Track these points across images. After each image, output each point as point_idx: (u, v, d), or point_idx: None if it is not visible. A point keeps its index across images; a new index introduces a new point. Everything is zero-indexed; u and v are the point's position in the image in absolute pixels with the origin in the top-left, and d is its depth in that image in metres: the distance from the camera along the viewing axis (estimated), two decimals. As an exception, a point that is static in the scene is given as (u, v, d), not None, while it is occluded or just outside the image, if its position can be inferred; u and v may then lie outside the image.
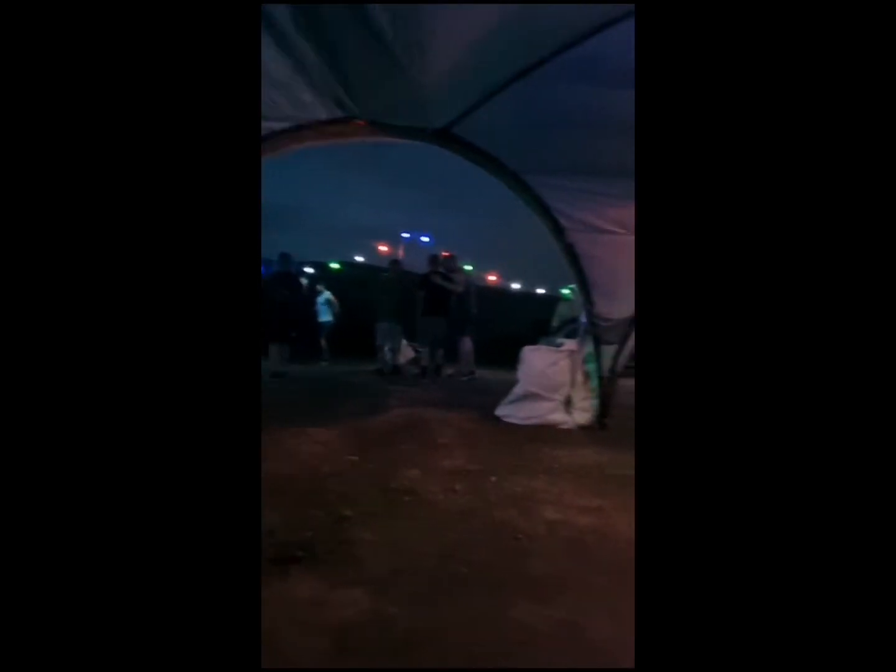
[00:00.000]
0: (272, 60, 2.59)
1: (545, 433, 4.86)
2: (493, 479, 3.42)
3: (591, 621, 1.83)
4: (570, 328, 6.18)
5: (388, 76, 2.94)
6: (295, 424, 4.29)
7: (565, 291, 8.28)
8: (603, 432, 5.07)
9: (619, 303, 4.94)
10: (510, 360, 5.93)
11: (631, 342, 5.13)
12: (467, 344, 8.70)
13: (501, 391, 5.56)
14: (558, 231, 4.66)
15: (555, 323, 7.85)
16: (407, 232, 33.12)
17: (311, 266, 13.88)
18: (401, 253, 27.28)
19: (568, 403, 5.28)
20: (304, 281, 9.44)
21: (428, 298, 8.37)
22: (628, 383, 5.49)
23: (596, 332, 5.20)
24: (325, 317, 10.63)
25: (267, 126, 3.16)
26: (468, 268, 10.01)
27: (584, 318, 5.39)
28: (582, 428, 5.16)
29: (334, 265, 15.90)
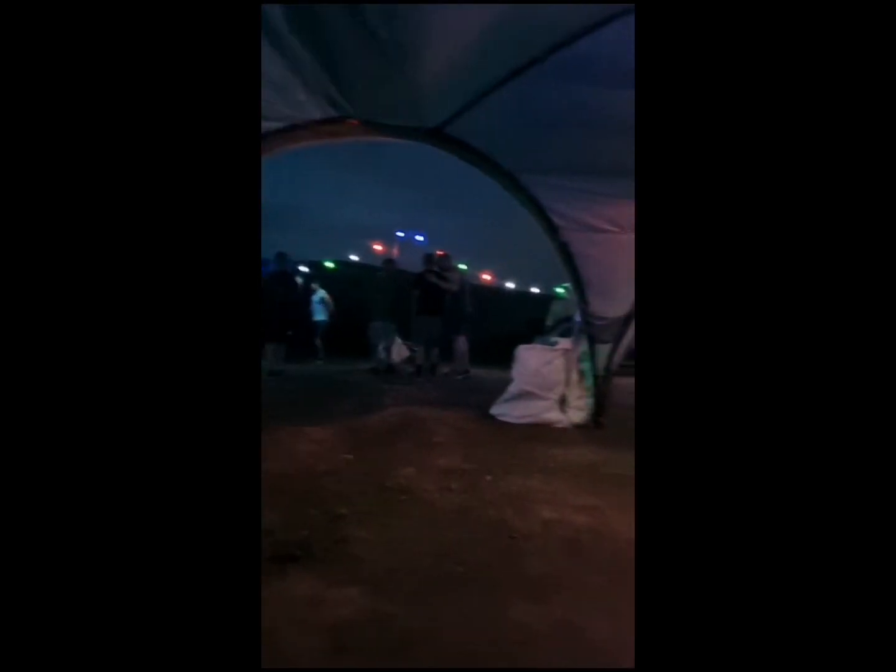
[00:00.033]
0: (266, 60, 2.58)
1: (540, 432, 4.87)
2: (489, 477, 3.42)
3: (588, 621, 1.84)
4: (564, 327, 6.18)
5: (381, 76, 2.94)
6: (291, 423, 4.29)
7: (560, 290, 8.29)
8: (598, 431, 5.09)
9: (614, 302, 4.95)
10: (505, 359, 5.93)
11: (625, 341, 5.14)
12: (462, 343, 8.69)
13: (496, 390, 5.56)
14: (552, 230, 4.66)
15: (549, 322, 7.85)
16: (402, 231, 33.10)
17: (306, 265, 13.85)
18: (395, 252, 27.25)
19: (563, 402, 5.29)
20: (299, 280, 9.42)
21: (423, 297, 8.36)
22: (623, 382, 5.52)
23: (590, 331, 5.21)
24: (320, 316, 10.61)
25: (262, 126, 3.15)
26: (463, 267, 9.97)
27: (578, 317, 5.40)
28: (577, 427, 5.17)
29: (329, 264, 15.86)
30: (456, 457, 3.87)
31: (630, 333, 5.09)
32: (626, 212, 4.15)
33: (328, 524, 2.55)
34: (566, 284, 6.53)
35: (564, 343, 5.47)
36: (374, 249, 30.44)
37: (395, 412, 5.14)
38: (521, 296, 20.12)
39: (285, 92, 2.91)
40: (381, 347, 8.72)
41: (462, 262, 10.17)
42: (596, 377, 5.30)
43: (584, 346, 5.32)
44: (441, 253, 8.89)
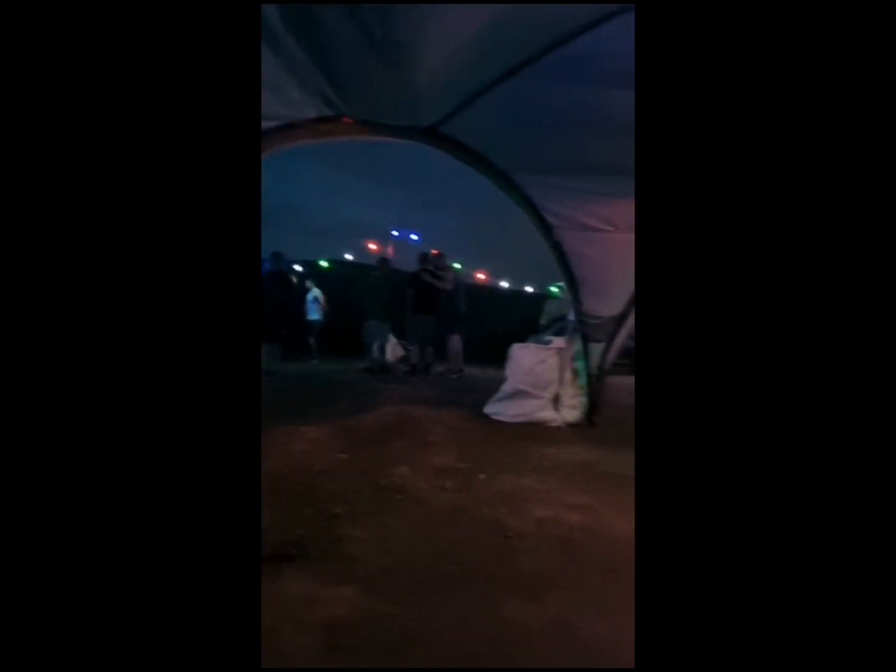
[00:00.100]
0: (262, 59, 2.58)
1: (534, 431, 4.88)
2: (483, 476, 3.43)
3: (583, 619, 1.85)
4: (558, 326, 6.19)
5: (376, 75, 2.93)
6: (286, 422, 4.28)
7: (554, 289, 8.31)
8: (592, 430, 5.11)
9: (608, 301, 4.97)
10: (499, 358, 5.94)
11: (619, 339, 5.16)
12: (456, 342, 8.70)
13: (490, 389, 5.57)
14: (546, 229, 4.67)
15: (543, 321, 7.86)
16: (396, 230, 33.02)
17: (300, 264, 13.82)
18: (390, 251, 27.21)
19: (557, 401, 5.30)
20: (294, 279, 9.41)
21: (417, 296, 8.36)
22: (617, 380, 5.54)
23: (584, 330, 5.22)
24: (314, 315, 10.59)
25: (259, 124, 3.15)
26: (457, 266, 9.97)
27: (572, 316, 5.42)
28: (571, 425, 5.19)
29: (323, 263, 15.82)
30: (450, 456, 3.87)
31: (623, 332, 5.11)
32: (621, 211, 4.17)
33: (323, 523, 2.56)
34: (560, 283, 6.56)
35: (558, 342, 5.48)
36: (368, 248, 30.35)
37: (389, 411, 5.14)
38: (516, 295, 20.10)
39: (280, 91, 2.90)
40: (375, 346, 8.72)
41: (456, 262, 10.17)
42: (590, 376, 5.32)
43: (577, 345, 5.34)
44: (436, 252, 8.89)
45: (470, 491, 3.17)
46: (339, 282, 12.18)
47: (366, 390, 6.53)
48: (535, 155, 3.96)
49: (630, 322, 4.99)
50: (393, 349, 9.19)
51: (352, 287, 10.54)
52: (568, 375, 5.34)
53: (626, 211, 4.06)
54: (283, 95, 2.97)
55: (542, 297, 9.79)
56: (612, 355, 5.25)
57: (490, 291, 19.52)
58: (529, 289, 21.64)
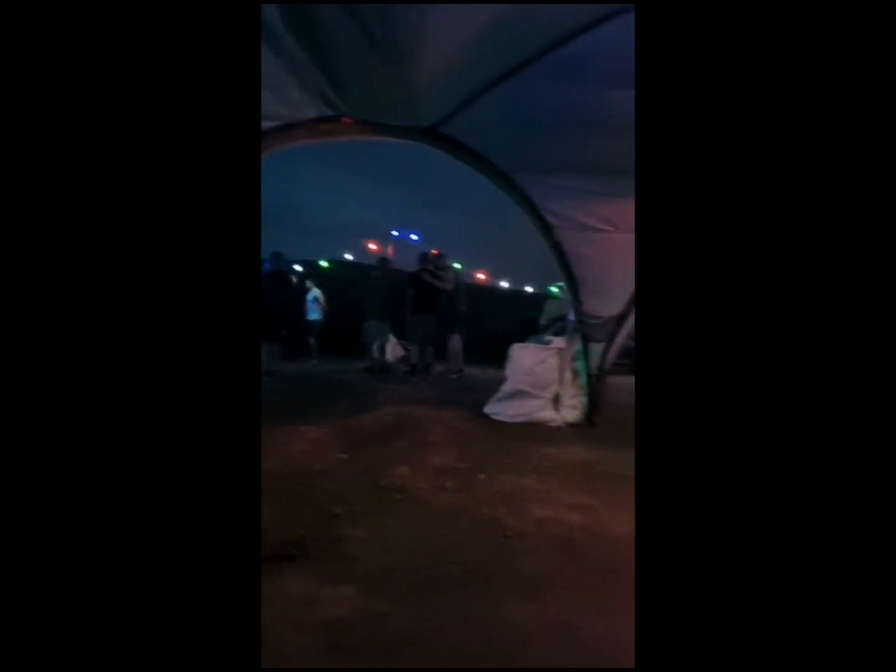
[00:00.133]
0: (262, 59, 2.58)
1: (534, 431, 4.88)
2: (483, 476, 3.43)
3: (583, 619, 1.85)
4: (558, 326, 6.20)
5: (376, 75, 2.93)
6: (286, 422, 4.28)
7: (554, 289, 8.31)
8: (592, 430, 5.11)
9: (607, 300, 4.97)
10: (499, 358, 5.94)
11: (619, 339, 5.16)
12: (456, 342, 8.70)
13: (490, 389, 5.57)
14: (546, 229, 4.67)
15: (543, 321, 7.86)
16: (396, 230, 32.99)
17: (300, 264, 13.82)
18: (390, 251, 27.19)
19: (557, 401, 5.30)
20: (294, 279, 9.41)
21: (417, 296, 8.37)
22: (617, 380, 5.54)
23: (584, 330, 5.22)
24: (314, 315, 10.58)
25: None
26: (457, 266, 9.97)
27: (572, 316, 5.42)
28: (571, 425, 5.19)
29: (323, 263, 15.82)
30: (450, 456, 3.87)
31: (623, 332, 5.11)
32: (620, 211, 4.17)
33: (323, 523, 2.56)
34: (560, 283, 6.55)
35: (558, 342, 5.48)
36: (368, 248, 30.32)
37: (389, 411, 5.14)
38: (516, 295, 20.10)
39: (280, 91, 2.91)
40: (375, 346, 8.72)
41: (457, 262, 10.16)
42: (590, 376, 5.32)
43: (577, 345, 5.34)
44: (436, 252, 8.89)
45: (470, 491, 3.17)
46: (339, 282, 12.18)
47: (366, 390, 6.53)
48: (535, 155, 3.96)
49: (630, 322, 5.00)
50: (393, 349, 9.19)
51: (352, 287, 10.55)
52: (568, 375, 5.34)
53: (625, 211, 4.06)
54: (282, 95, 2.98)
55: (542, 297, 9.79)
56: (612, 355, 5.25)
57: (490, 291, 19.52)
58: (529, 289, 21.63)
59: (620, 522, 2.67)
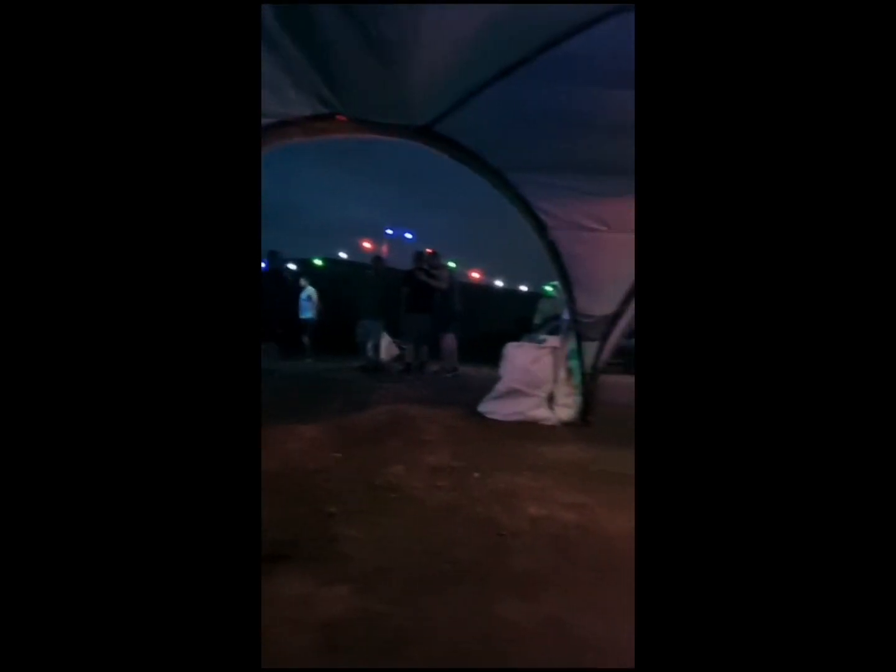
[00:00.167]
0: (257, 58, 2.57)
1: (528, 429, 4.90)
2: (477, 475, 3.44)
3: (577, 618, 1.85)
4: (552, 325, 6.22)
5: (371, 74, 2.93)
6: (281, 421, 4.28)
7: (548, 288, 8.31)
8: (586, 428, 5.12)
9: (600, 299, 4.99)
10: (493, 357, 5.95)
11: (612, 338, 5.17)
12: (451, 340, 8.70)
13: (485, 387, 5.58)
14: (541, 228, 4.68)
15: (537, 320, 7.89)
16: (391, 229, 32.94)
17: (294, 262, 13.80)
18: (384, 250, 27.11)
19: (551, 400, 5.32)
20: (288, 278, 9.39)
21: (412, 295, 8.37)
22: (610, 379, 5.56)
23: (578, 329, 5.23)
24: (308, 313, 10.56)
25: (254, 122, 3.13)
26: (452, 265, 9.96)
27: (566, 315, 5.43)
28: (565, 424, 5.20)
29: (318, 261, 15.80)
30: (445, 454, 3.88)
31: (617, 331, 5.12)
32: (614, 210, 4.18)
33: (318, 522, 2.56)
34: (554, 282, 6.56)
35: (552, 341, 5.50)
36: (363, 247, 30.23)
37: (384, 410, 5.15)
38: (510, 294, 20.12)
39: (275, 89, 2.90)
40: (370, 345, 8.70)
41: (451, 260, 10.16)
42: (584, 375, 5.34)
43: (572, 344, 5.35)
44: (430, 251, 8.89)
45: (464, 490, 3.18)
46: (333, 280, 12.15)
47: (360, 389, 6.52)
48: (529, 153, 3.97)
49: (623, 321, 5.01)
50: (387, 348, 9.18)
51: (346, 286, 10.52)
52: (562, 374, 5.36)
53: (618, 210, 4.08)
54: (277, 93, 2.97)
55: (536, 296, 9.79)
56: (606, 354, 5.27)
57: (485, 290, 19.54)
58: (524, 288, 21.66)
59: (615, 520, 2.69)
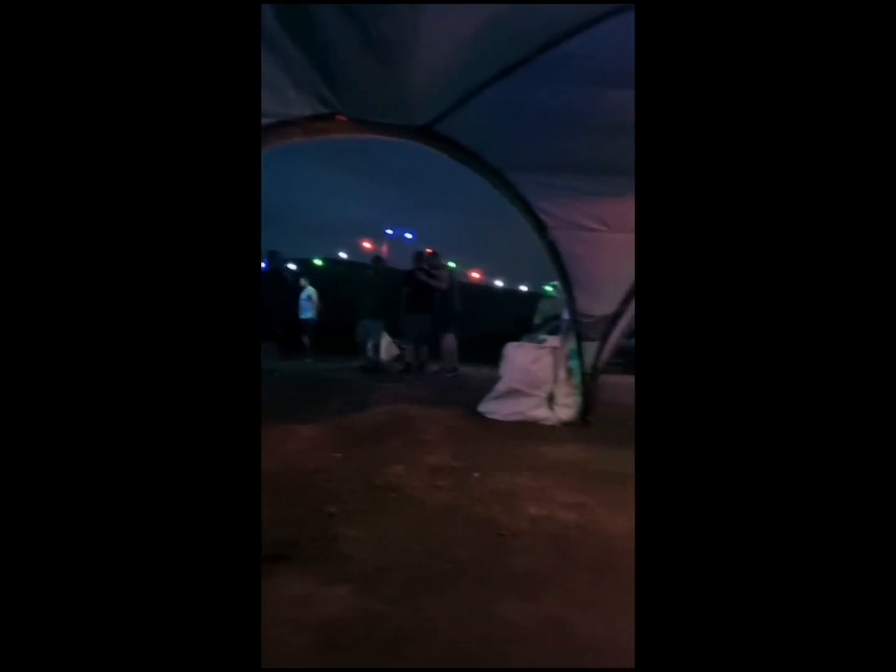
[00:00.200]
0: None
1: (528, 429, 4.89)
2: (477, 475, 3.44)
3: (577, 617, 1.85)
4: (552, 325, 6.22)
5: (371, 74, 2.94)
6: (281, 421, 4.28)
7: (548, 288, 8.31)
8: (586, 428, 5.12)
9: (600, 299, 4.99)
10: (493, 357, 5.95)
11: (612, 338, 5.17)
12: (451, 340, 8.70)
13: (485, 387, 5.58)
14: (541, 228, 4.69)
15: (537, 320, 7.89)
16: (391, 229, 32.93)
17: (294, 262, 13.80)
18: (384, 250, 27.11)
19: (551, 400, 5.31)
20: (288, 277, 9.39)
21: (412, 295, 8.37)
22: (610, 379, 5.56)
23: (578, 329, 5.23)
24: (307, 313, 10.55)
25: (254, 122, 3.13)
26: (452, 265, 9.96)
27: (566, 315, 5.43)
28: (565, 424, 5.20)
29: (318, 262, 15.81)
30: (445, 454, 3.88)
31: (617, 331, 5.12)
32: (613, 210, 4.19)
33: (318, 523, 2.56)
34: (554, 282, 6.56)
35: (552, 341, 5.50)
36: (363, 247, 30.22)
37: (384, 410, 5.15)
38: (510, 294, 20.15)
39: (275, 89, 2.90)
40: (370, 345, 8.70)
41: (451, 260, 10.17)
42: (584, 374, 5.33)
43: (572, 344, 5.35)
44: (430, 251, 8.89)
45: (464, 489, 3.18)
46: (333, 280, 12.15)
47: (360, 389, 6.52)
48: (528, 153, 3.97)
49: (623, 321, 5.01)
50: (387, 348, 9.17)
51: (346, 286, 10.52)
52: (562, 374, 5.36)
53: (618, 210, 4.08)
54: (277, 93, 2.97)
55: (536, 296, 9.79)
56: (605, 354, 5.26)
57: (485, 290, 19.55)
58: (524, 288, 21.67)
59: (614, 520, 2.69)
